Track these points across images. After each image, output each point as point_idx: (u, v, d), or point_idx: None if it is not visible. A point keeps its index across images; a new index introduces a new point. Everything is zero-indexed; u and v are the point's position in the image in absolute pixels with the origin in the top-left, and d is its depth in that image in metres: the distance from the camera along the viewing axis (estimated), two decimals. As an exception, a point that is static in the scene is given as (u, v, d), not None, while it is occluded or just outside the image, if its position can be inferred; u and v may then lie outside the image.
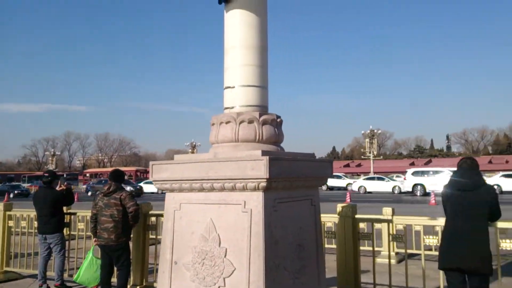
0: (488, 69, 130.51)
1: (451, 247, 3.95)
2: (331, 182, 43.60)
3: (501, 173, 34.47)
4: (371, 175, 44.23)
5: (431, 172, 31.75)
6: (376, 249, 7.48)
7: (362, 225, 5.83)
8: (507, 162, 76.74)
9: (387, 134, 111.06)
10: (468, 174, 4.11)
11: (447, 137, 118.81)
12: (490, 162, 78.49)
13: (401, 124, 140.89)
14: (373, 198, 28.47)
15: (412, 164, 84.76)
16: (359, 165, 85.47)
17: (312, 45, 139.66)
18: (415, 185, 31.18)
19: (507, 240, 4.33)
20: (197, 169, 3.09)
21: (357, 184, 38.49)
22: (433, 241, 4.85)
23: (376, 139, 56.17)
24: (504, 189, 30.54)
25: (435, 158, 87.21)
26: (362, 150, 60.99)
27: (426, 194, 29.61)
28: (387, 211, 7.57)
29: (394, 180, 39.16)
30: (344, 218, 4.83)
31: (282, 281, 3.04)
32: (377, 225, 6.21)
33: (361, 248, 5.43)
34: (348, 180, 44.19)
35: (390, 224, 5.16)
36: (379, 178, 38.66)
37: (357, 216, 4.96)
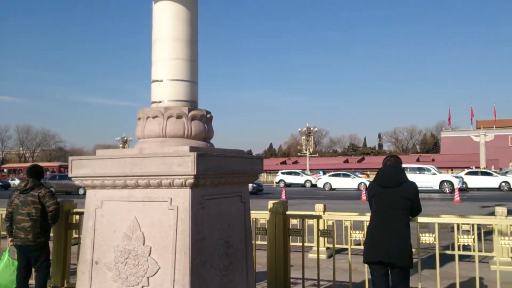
0: (417, 71, 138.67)
1: (374, 241, 4.17)
2: (289, 179, 43.42)
3: (466, 170, 35.93)
4: (307, 172, 45.27)
5: (415, 169, 32.04)
6: (308, 244, 7.75)
7: (295, 221, 5.99)
8: (433, 160, 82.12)
9: (323, 132, 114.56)
10: (392, 171, 4.35)
11: (379, 136, 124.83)
12: (418, 160, 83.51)
13: (336, 122, 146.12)
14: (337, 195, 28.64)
15: (346, 162, 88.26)
16: (295, 162, 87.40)
17: (250, 43, 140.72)
18: None
19: (427, 234, 4.63)
20: (120, 165, 3.01)
21: (322, 180, 37.85)
22: (360, 236, 5.08)
23: (312, 137, 57.70)
24: (469, 185, 32.00)
25: (368, 156, 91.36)
26: (298, 147, 62.33)
27: None
28: (319, 207, 7.84)
29: (359, 177, 39.02)
30: (275, 214, 4.93)
31: (209, 278, 3.05)
32: (310, 221, 6.40)
33: (294, 244, 5.57)
34: (306, 177, 44.08)
35: (320, 220, 5.34)
36: (344, 175, 38.19)
37: (288, 212, 5.07)
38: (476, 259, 4.58)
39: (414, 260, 4.29)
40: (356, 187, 35.50)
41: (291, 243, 5.09)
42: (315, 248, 8.00)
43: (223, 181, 3.25)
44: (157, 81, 3.42)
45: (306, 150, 54.89)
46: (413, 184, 4.35)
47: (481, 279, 6.47)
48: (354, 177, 37.59)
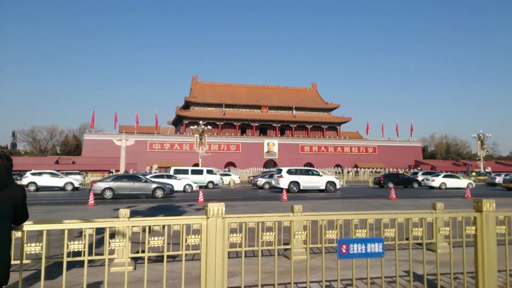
0: (62, 67, 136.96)
1: None
2: (42, 180, 39.37)
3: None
4: None
5: (305, 171, 37.65)
6: None
7: None
8: (73, 162, 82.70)
9: None
10: None
11: (13, 134, 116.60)
12: (57, 162, 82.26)
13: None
14: None
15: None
16: None
17: None
18: (291, 183, 35.85)
19: (33, 244, 4.35)
20: None
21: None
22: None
23: None
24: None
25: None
26: None
27: (301, 191, 36.17)
28: None
29: (184, 178, 40.90)
30: None
31: None
32: None
33: None
34: (66, 179, 40.44)
35: None
36: (168, 176, 39.42)
37: None
38: (86, 264, 4.62)
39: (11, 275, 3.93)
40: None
41: None
42: None
43: None
44: None
45: None
46: (20, 188, 4.03)
47: (100, 283, 6.72)
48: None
